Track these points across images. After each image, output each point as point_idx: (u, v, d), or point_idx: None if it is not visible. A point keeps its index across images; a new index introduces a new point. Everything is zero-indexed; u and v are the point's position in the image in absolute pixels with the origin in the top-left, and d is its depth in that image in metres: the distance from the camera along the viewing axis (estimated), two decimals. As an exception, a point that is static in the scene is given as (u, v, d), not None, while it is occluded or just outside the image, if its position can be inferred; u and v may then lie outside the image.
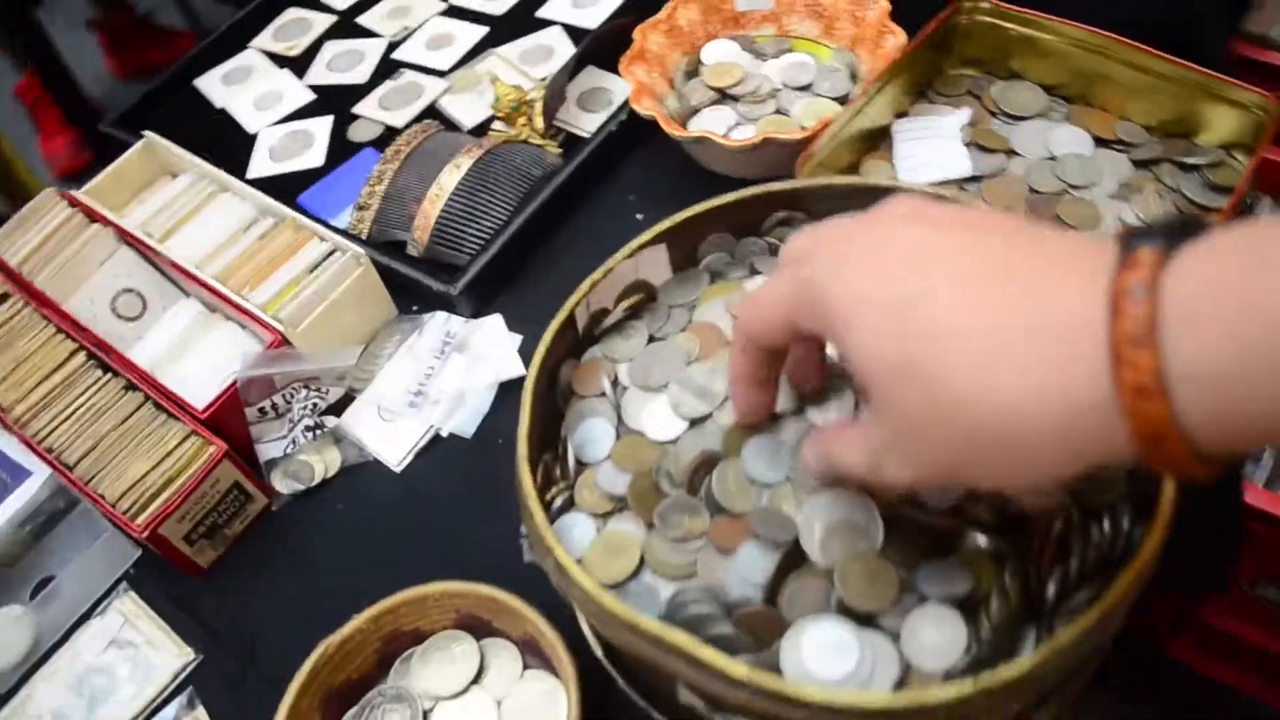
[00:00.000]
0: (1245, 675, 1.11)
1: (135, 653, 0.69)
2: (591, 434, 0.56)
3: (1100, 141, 0.76)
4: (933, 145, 0.76)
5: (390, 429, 0.74)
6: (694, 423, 0.54)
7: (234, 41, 1.06)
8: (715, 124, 0.81)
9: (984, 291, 0.33)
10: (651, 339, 0.59)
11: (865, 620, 0.46)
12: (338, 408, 0.76)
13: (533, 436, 0.54)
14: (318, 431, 0.73)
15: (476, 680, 0.62)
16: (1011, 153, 0.76)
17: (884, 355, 0.35)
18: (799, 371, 0.51)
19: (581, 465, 0.55)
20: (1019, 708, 0.47)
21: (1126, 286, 0.29)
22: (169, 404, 0.72)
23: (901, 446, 0.37)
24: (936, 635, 0.46)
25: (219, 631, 0.69)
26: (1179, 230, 0.30)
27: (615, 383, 0.58)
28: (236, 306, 0.75)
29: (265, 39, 1.06)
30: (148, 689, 0.68)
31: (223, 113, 0.99)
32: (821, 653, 0.46)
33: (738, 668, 0.42)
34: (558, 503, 0.54)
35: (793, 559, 0.48)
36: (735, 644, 0.46)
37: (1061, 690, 0.50)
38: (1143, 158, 0.74)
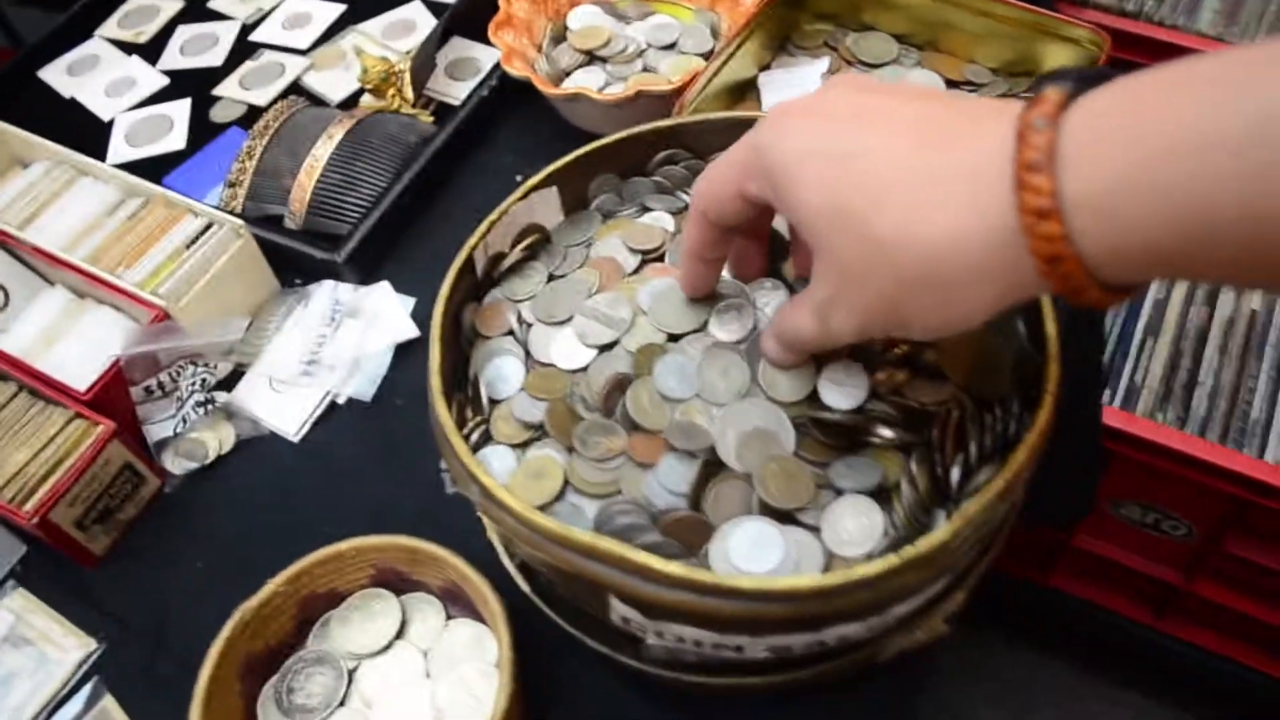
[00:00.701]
0: (1115, 594, 1.19)
1: (31, 650, 0.66)
2: (501, 371, 0.57)
3: (951, 83, 0.81)
4: (797, 93, 0.80)
5: (284, 400, 0.72)
6: (602, 349, 0.55)
7: (76, 32, 1.02)
8: (586, 84, 0.82)
9: (912, 141, 0.36)
10: (551, 277, 0.60)
11: (786, 518, 0.48)
12: (227, 384, 0.74)
13: (443, 375, 0.54)
14: (209, 407, 0.71)
15: (400, 635, 0.62)
16: (871, 96, 0.80)
17: (823, 205, 0.38)
18: (740, 261, 0.54)
19: (494, 402, 0.56)
20: (938, 587, 0.50)
21: (1030, 120, 0.32)
22: (48, 390, 0.69)
23: (844, 295, 0.40)
24: (854, 525, 0.48)
25: (123, 619, 0.67)
26: (1092, 77, 0.33)
27: (520, 321, 0.59)
28: (112, 287, 0.72)
29: (110, 27, 1.02)
30: (47, 685, 0.65)
31: (72, 102, 0.95)
32: (748, 551, 0.48)
33: (672, 566, 0.44)
34: (474, 437, 0.54)
35: (711, 467, 0.50)
36: (665, 550, 0.47)
37: (971, 571, 0.53)
38: (990, 95, 0.79)
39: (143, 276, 0.73)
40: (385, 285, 0.77)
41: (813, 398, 0.51)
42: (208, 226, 0.75)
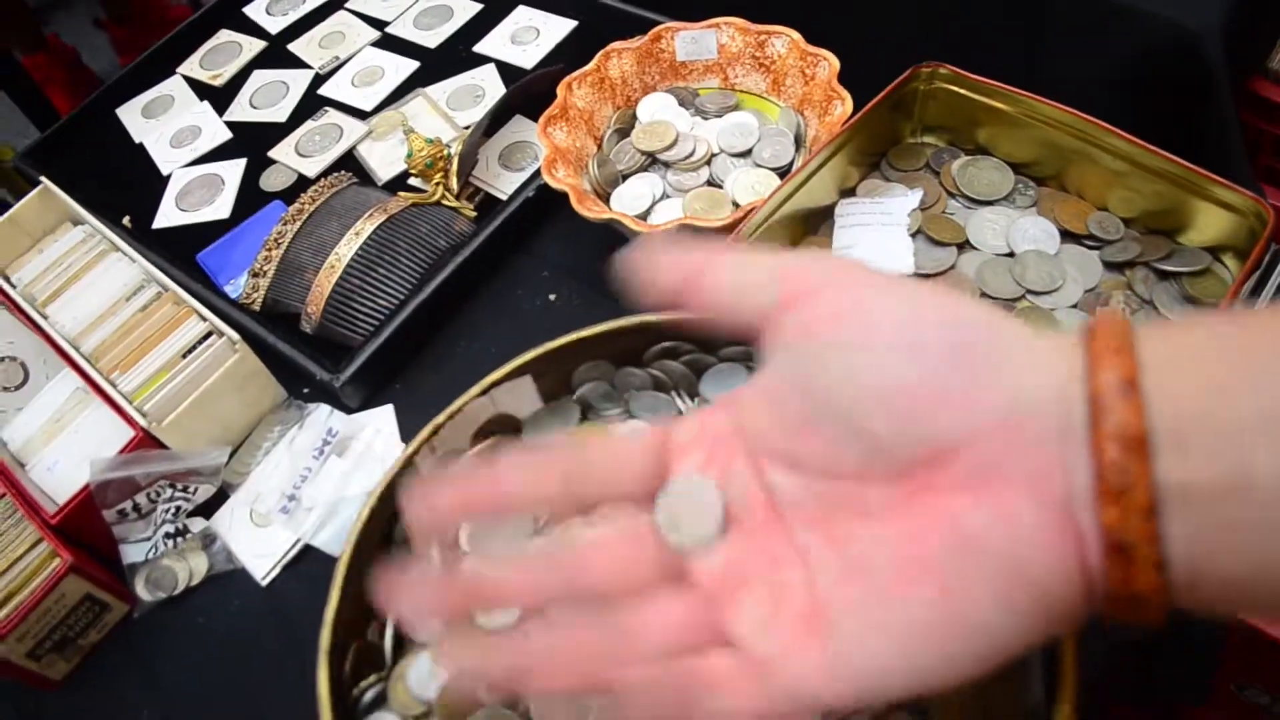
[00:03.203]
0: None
1: (-26, 777, 0.64)
2: (423, 608, 0.49)
3: (1068, 235, 0.66)
4: (877, 234, 0.68)
5: (261, 535, 0.67)
6: (527, 614, 0.47)
7: (161, 65, 0.99)
8: (640, 195, 0.72)
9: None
10: (502, 491, 0.52)
11: None
12: (213, 504, 0.69)
13: (341, 618, 0.47)
14: (179, 539, 0.67)
15: None
16: (965, 245, 0.67)
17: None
18: None
19: (404, 647, 0.49)
20: None
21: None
22: (22, 506, 0.66)
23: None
24: None
25: (61, 759, 0.64)
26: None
27: (452, 547, 0.51)
28: (103, 395, 0.69)
29: (192, 64, 0.98)
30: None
31: (140, 148, 0.92)
32: None
33: None
34: (370, 695, 0.47)
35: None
36: None
37: None
38: (1115, 259, 0.65)
39: (136, 384, 0.69)
40: (387, 410, 0.70)
41: None
42: (209, 334, 0.70)
